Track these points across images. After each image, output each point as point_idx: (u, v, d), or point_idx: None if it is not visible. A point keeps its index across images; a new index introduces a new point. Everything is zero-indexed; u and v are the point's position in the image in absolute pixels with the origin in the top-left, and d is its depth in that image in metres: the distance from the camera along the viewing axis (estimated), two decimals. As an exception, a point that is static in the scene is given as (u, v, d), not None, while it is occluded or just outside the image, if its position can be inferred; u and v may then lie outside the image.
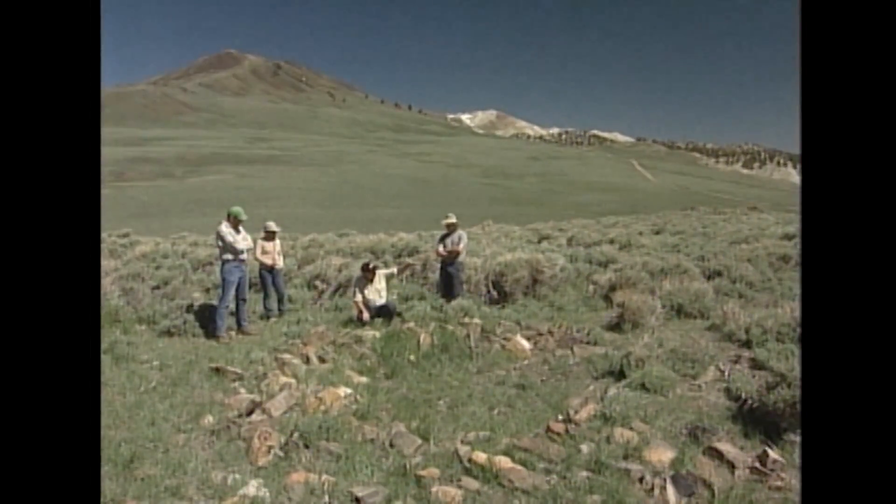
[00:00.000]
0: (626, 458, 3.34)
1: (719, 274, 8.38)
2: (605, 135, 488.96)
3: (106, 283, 7.99)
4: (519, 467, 3.28)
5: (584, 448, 3.51)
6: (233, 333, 7.04)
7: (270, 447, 3.57)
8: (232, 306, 7.20)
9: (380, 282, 7.48)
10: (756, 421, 3.68)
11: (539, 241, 16.80)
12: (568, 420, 3.93)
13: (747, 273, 8.24)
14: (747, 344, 5.08)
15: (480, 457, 3.37)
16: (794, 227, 14.67)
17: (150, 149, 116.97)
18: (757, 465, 3.17)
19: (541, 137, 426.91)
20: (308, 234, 18.49)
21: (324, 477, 3.22)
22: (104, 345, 5.74)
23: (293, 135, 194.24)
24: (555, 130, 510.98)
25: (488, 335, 6.21)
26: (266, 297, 8.05)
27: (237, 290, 7.15)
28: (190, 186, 73.72)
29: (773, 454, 3.20)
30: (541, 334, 6.18)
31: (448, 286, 7.97)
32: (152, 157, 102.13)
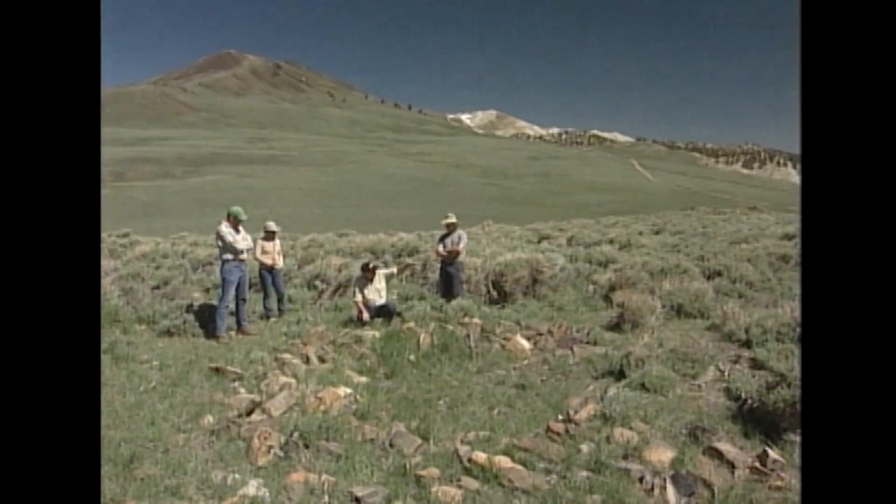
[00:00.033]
0: (626, 457, 3.34)
1: (719, 274, 8.38)
2: (605, 135, 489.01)
3: (106, 282, 7.99)
4: (519, 467, 3.28)
5: (584, 448, 3.50)
6: (233, 333, 7.04)
7: (270, 447, 3.57)
8: (232, 306, 7.20)
9: (379, 282, 7.48)
10: (756, 421, 3.68)
11: (539, 241, 16.80)
12: (568, 420, 3.93)
13: (747, 273, 8.24)
14: (747, 344, 5.08)
15: (480, 457, 3.37)
16: (794, 227, 14.67)
17: (149, 149, 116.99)
18: (757, 464, 3.17)
19: (541, 137, 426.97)
20: (308, 234, 18.49)
21: (324, 477, 3.22)
22: (104, 345, 5.74)
23: (293, 135, 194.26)
24: (555, 130, 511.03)
25: (488, 335, 6.21)
26: (266, 297, 8.05)
27: (237, 289, 7.15)
28: (190, 186, 73.73)
29: (773, 454, 3.20)
30: (541, 334, 6.18)
31: (448, 286, 7.97)
32: (152, 157, 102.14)
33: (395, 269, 8.97)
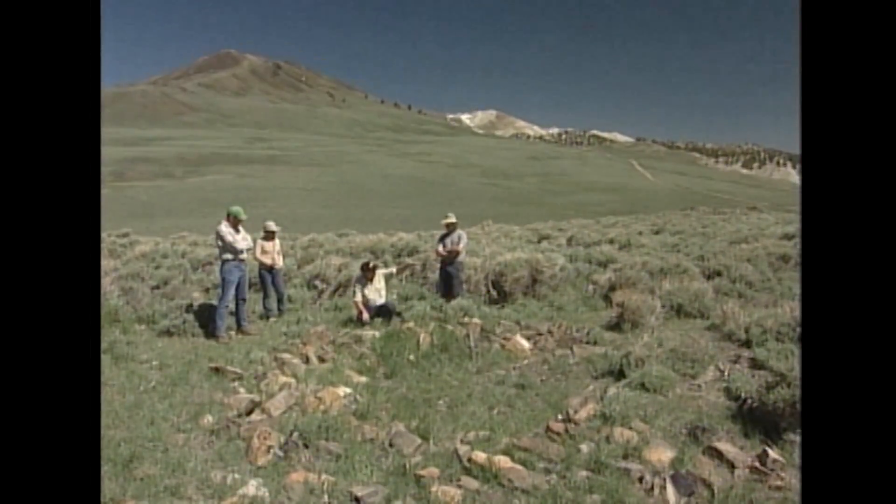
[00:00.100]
0: (625, 457, 3.34)
1: (719, 274, 8.39)
2: (605, 135, 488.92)
3: (105, 282, 7.99)
4: (518, 467, 3.28)
5: (584, 448, 3.51)
6: (232, 333, 7.03)
7: (270, 447, 3.56)
8: (231, 306, 7.20)
9: (379, 281, 7.49)
10: (756, 420, 3.68)
11: (539, 241, 16.81)
12: (567, 420, 3.93)
13: (747, 273, 8.25)
14: (747, 343, 5.08)
15: (480, 456, 3.37)
16: (794, 227, 14.68)
17: (149, 149, 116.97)
18: (757, 464, 3.17)
19: (540, 137, 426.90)
20: (307, 234, 18.49)
21: (323, 476, 3.21)
22: (104, 344, 5.74)
23: (293, 135, 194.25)
24: (554, 130, 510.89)
25: (488, 335, 6.21)
26: (266, 296, 8.04)
27: (237, 289, 7.15)
28: (190, 186, 73.73)
29: (772, 454, 3.20)
30: (540, 334, 6.18)
31: (448, 286, 7.97)
32: (152, 157, 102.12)
33: (394, 269, 8.97)
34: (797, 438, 3.36)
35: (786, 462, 3.18)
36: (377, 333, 6.37)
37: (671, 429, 3.72)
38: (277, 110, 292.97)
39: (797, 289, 7.13)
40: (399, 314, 7.16)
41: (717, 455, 3.28)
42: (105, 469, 3.19)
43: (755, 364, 4.53)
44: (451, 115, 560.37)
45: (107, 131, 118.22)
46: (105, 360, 5.40)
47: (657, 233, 20.06)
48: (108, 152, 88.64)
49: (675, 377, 4.42)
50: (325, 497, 3.04)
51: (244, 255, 7.21)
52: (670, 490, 2.99)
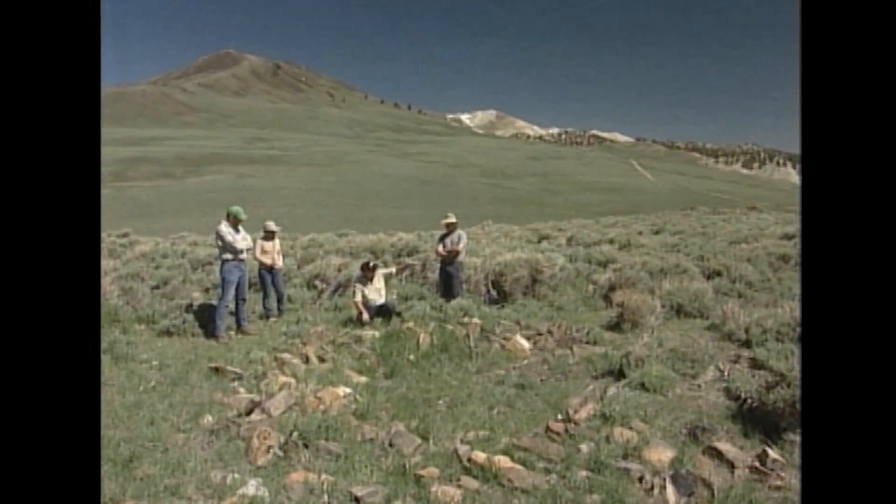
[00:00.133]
0: (625, 457, 3.34)
1: (719, 274, 8.39)
2: (605, 135, 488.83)
3: (105, 282, 7.99)
4: (518, 467, 3.28)
5: (584, 447, 3.51)
6: (232, 333, 7.03)
7: (270, 447, 3.56)
8: (231, 306, 7.20)
9: (379, 281, 7.49)
10: (756, 420, 3.68)
11: (539, 241, 16.81)
12: (567, 419, 3.93)
13: (747, 273, 8.25)
14: (747, 343, 5.08)
15: (480, 456, 3.37)
16: (794, 227, 14.68)
17: (149, 149, 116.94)
18: (756, 464, 3.17)
19: (540, 137, 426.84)
20: (307, 234, 18.49)
21: (323, 476, 3.21)
22: (103, 344, 5.73)
23: (292, 135, 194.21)
24: (554, 130, 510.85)
25: (488, 335, 6.21)
26: (265, 296, 8.04)
27: (237, 289, 7.15)
28: (189, 186, 73.72)
29: (772, 454, 3.20)
30: (540, 334, 6.18)
31: (447, 286, 7.97)
32: (152, 157, 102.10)
33: (393, 269, 8.98)
34: (797, 438, 3.36)
35: (786, 462, 3.18)
36: (377, 333, 6.37)
37: (671, 429, 3.72)
38: (277, 110, 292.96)
39: (797, 289, 7.13)
40: (399, 314, 7.16)
41: (717, 455, 3.28)
42: (105, 469, 3.19)
43: (755, 364, 4.53)
44: (451, 115, 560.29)
45: (107, 131, 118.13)
46: (105, 360, 5.40)
47: (657, 233, 20.05)
48: (108, 152, 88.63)
49: (675, 377, 4.42)
50: (325, 497, 3.03)
51: (244, 255, 7.21)
52: (670, 490, 2.99)
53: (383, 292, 7.51)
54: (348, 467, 3.39)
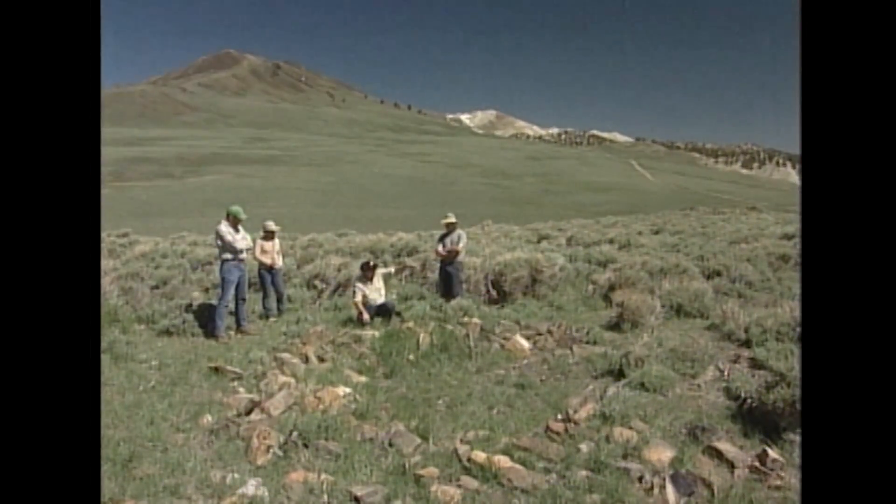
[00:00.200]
0: (625, 457, 3.34)
1: (718, 273, 8.39)
2: (605, 135, 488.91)
3: (105, 282, 7.98)
4: (518, 466, 3.28)
5: (584, 447, 3.51)
6: (232, 333, 7.03)
7: (269, 446, 3.56)
8: (231, 306, 7.20)
9: (378, 281, 7.50)
10: (755, 420, 3.68)
11: (538, 241, 16.81)
12: (567, 419, 3.93)
13: (746, 273, 8.25)
14: (747, 343, 5.08)
15: (479, 456, 3.37)
16: (794, 227, 14.69)
17: (149, 149, 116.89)
18: (756, 464, 3.17)
19: (540, 137, 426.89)
20: (307, 234, 18.49)
21: (323, 476, 3.21)
22: (103, 344, 5.73)
23: (292, 135, 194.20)
24: (554, 130, 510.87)
25: (487, 335, 6.21)
26: (265, 296, 8.04)
27: (236, 289, 7.14)
28: (189, 186, 73.69)
29: (772, 453, 3.20)
30: (540, 334, 6.18)
31: (447, 286, 7.97)
32: (152, 157, 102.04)
33: (392, 269, 8.98)
34: (797, 438, 3.36)
35: (786, 462, 3.18)
36: (377, 333, 6.37)
37: (671, 428, 3.72)
38: (277, 110, 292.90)
39: (797, 289, 7.14)
40: (399, 314, 7.16)
41: (717, 455, 3.28)
42: (105, 468, 3.19)
43: (755, 364, 4.53)
44: (450, 115, 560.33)
45: (107, 131, 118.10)
46: (105, 359, 5.40)
47: (657, 233, 20.06)
48: (108, 152, 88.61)
49: (674, 377, 4.42)
50: (325, 497, 3.03)
51: (244, 255, 7.21)
52: (670, 490, 2.99)
53: (383, 292, 7.52)
54: (348, 467, 3.39)
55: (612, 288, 7.78)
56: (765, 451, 3.23)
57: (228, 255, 7.05)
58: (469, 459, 3.38)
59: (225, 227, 7.06)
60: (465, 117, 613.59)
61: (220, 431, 3.87)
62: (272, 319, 7.81)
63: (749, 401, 3.85)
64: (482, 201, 69.19)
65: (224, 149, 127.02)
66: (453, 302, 7.24)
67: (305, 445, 3.61)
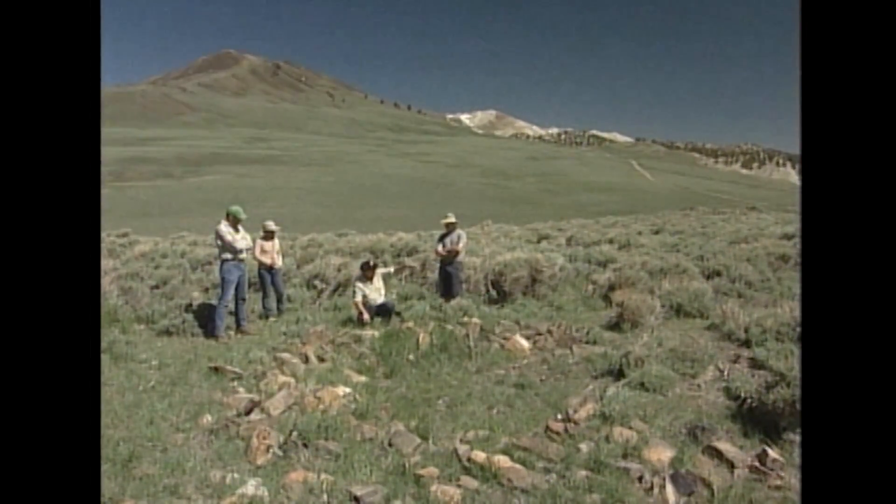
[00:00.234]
0: (625, 457, 3.34)
1: (718, 273, 8.39)
2: (605, 135, 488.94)
3: (105, 282, 7.98)
4: (518, 466, 3.28)
5: (584, 447, 3.50)
6: (232, 333, 7.03)
7: (269, 446, 3.56)
8: (231, 306, 7.20)
9: (378, 280, 7.50)
10: (755, 420, 3.68)
11: (538, 241, 16.81)
12: (567, 419, 3.93)
13: (746, 273, 8.25)
14: (746, 343, 5.08)
15: (479, 456, 3.37)
16: (794, 227, 14.69)
17: (149, 149, 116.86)
18: (756, 464, 3.17)
19: (540, 137, 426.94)
20: (307, 234, 18.49)
21: (322, 476, 3.21)
22: (103, 344, 5.73)
23: (292, 135, 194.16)
24: (554, 130, 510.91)
25: (487, 334, 6.21)
26: (265, 296, 8.04)
27: (236, 289, 7.14)
28: (189, 186, 73.69)
29: (772, 453, 3.20)
30: (540, 334, 6.18)
31: (447, 285, 7.97)
32: (152, 157, 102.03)
33: (391, 269, 8.98)
34: (797, 438, 3.36)
35: (785, 462, 3.18)
36: (376, 333, 6.37)
37: (671, 428, 3.72)
38: (277, 110, 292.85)
39: (797, 289, 7.14)
40: (398, 314, 7.16)
41: (717, 455, 3.28)
42: (104, 468, 3.19)
43: (755, 364, 4.53)
44: (450, 115, 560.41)
45: (107, 131, 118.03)
46: (104, 359, 5.40)
47: (657, 233, 20.06)
48: (108, 152, 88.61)
49: (674, 377, 4.42)
50: (325, 496, 3.03)
51: (243, 255, 7.21)
52: (670, 489, 2.99)
53: (383, 291, 7.52)
54: (348, 467, 3.39)
55: (611, 288, 7.78)
56: (765, 451, 3.23)
57: (228, 255, 7.05)
58: (469, 459, 3.38)
59: (225, 227, 7.06)
60: (465, 117, 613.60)
61: (220, 431, 3.87)
62: (272, 319, 7.81)
63: (749, 401, 3.85)
64: (482, 201, 69.20)
65: (224, 149, 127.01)
66: (453, 302, 7.24)
67: (305, 445, 3.61)
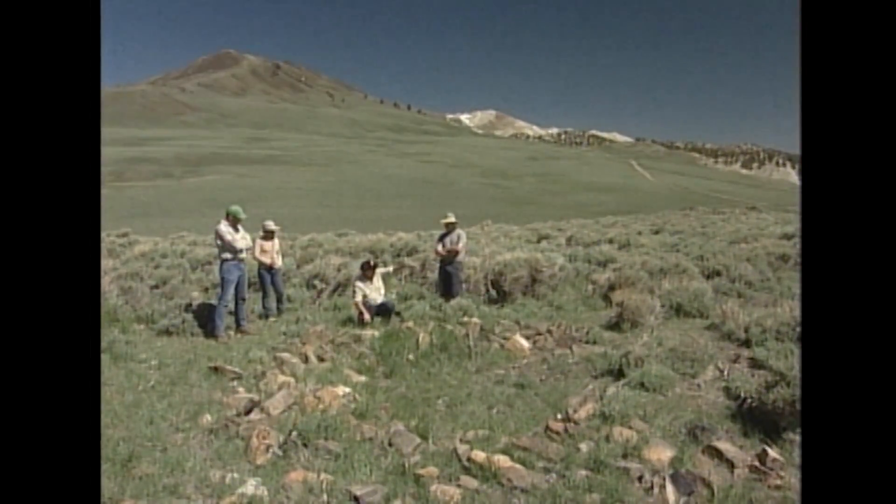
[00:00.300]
0: (625, 456, 3.34)
1: (718, 273, 8.39)
2: (604, 135, 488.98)
3: (105, 282, 7.98)
4: (518, 466, 3.28)
5: (584, 447, 3.50)
6: (231, 332, 7.03)
7: (269, 446, 3.56)
8: (231, 305, 7.20)
9: (378, 280, 7.50)
10: (755, 420, 3.68)
11: (538, 241, 16.81)
12: (567, 419, 3.93)
13: (746, 272, 8.25)
14: (746, 343, 5.08)
15: (479, 456, 3.37)
16: (793, 227, 14.70)
17: (149, 149, 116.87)
18: (756, 463, 3.17)
19: (540, 137, 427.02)
20: (307, 234, 18.50)
21: (322, 476, 3.21)
22: (103, 344, 5.73)
23: (292, 135, 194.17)
24: (554, 130, 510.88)
25: (487, 334, 6.21)
26: (265, 296, 8.04)
27: (236, 289, 7.14)
28: (189, 186, 73.70)
29: (772, 453, 3.20)
30: (540, 333, 6.18)
31: (447, 285, 7.97)
32: (151, 157, 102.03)
33: (391, 269, 8.98)
34: (797, 438, 3.36)
35: (785, 462, 3.18)
36: (376, 333, 6.38)
37: (671, 428, 3.72)
38: (277, 110, 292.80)
39: (797, 289, 7.14)
40: (398, 313, 7.16)
41: (717, 454, 3.28)
42: (104, 468, 3.19)
43: (755, 364, 4.53)
44: (450, 115, 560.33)
45: (107, 131, 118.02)
46: (104, 359, 5.39)
47: (657, 233, 20.06)
48: (108, 152, 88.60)
49: (674, 376, 4.42)
50: (324, 496, 3.03)
51: (243, 255, 7.21)
52: (670, 489, 2.99)
53: (383, 291, 7.52)
54: (347, 466, 3.39)
55: (611, 288, 7.78)
56: (765, 451, 3.23)
57: (228, 255, 7.05)
58: (469, 459, 3.38)
59: (224, 227, 7.06)
60: (464, 117, 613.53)
61: (220, 431, 3.87)
62: (272, 319, 7.81)
63: (749, 400, 3.85)
64: (482, 201, 69.24)
65: (224, 149, 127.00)
66: (453, 302, 7.24)
67: (305, 445, 3.61)
